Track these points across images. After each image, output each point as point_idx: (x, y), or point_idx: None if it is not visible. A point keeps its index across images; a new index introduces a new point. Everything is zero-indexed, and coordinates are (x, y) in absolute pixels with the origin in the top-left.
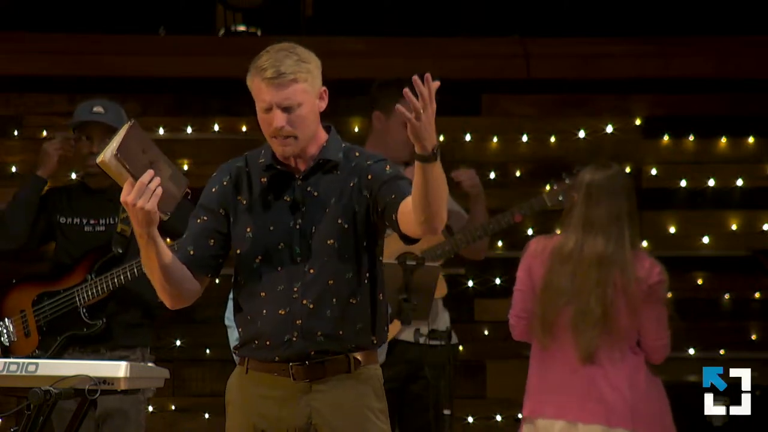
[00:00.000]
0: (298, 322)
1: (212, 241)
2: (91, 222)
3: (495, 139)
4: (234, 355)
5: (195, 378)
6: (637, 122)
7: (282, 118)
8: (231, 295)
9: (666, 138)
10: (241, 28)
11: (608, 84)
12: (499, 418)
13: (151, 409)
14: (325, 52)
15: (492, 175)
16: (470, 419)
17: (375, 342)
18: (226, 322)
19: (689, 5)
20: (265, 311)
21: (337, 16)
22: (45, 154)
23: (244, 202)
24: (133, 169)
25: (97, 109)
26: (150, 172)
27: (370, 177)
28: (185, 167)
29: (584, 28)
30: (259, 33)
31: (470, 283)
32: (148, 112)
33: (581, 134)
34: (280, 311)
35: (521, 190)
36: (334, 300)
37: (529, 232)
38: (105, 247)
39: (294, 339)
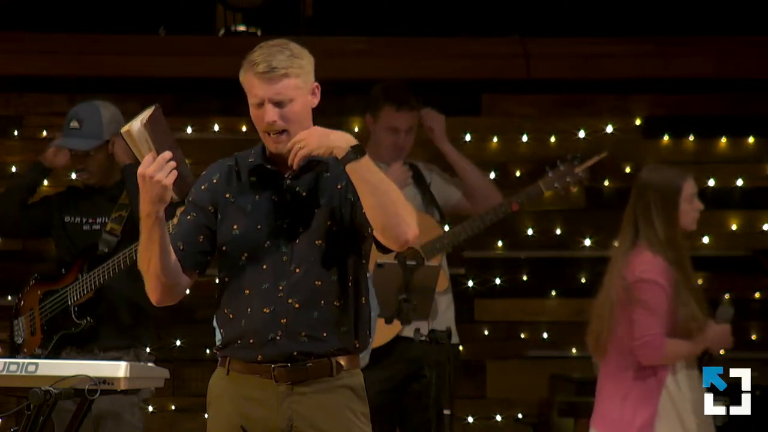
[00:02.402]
0: (282, 321)
1: (202, 237)
2: (89, 221)
3: (495, 139)
4: (217, 354)
5: (195, 378)
6: (637, 122)
7: (273, 112)
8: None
9: (666, 138)
10: (241, 28)
11: (608, 84)
12: (499, 418)
13: (151, 409)
14: (324, 52)
15: (492, 175)
16: (470, 419)
17: (357, 346)
18: (215, 323)
19: (689, 5)
20: (249, 309)
21: (337, 16)
22: (49, 146)
23: (233, 200)
24: (156, 143)
25: (74, 124)
26: (169, 153)
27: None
28: None
29: (584, 28)
30: (259, 33)
31: (470, 283)
32: None
33: (581, 134)
34: (264, 309)
35: (521, 190)
36: (322, 302)
37: (529, 232)
38: (95, 246)
39: (278, 338)
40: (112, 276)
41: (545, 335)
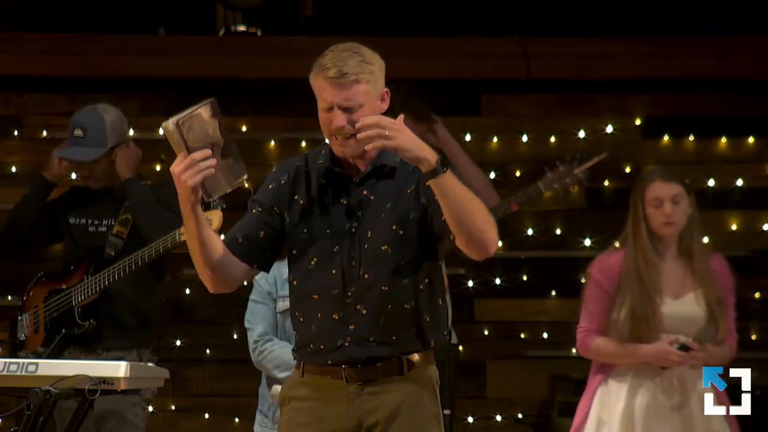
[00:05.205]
0: (351, 327)
1: (263, 233)
2: (95, 222)
3: (495, 139)
4: (252, 354)
5: (195, 378)
6: (637, 122)
7: (342, 118)
8: (251, 296)
9: (666, 138)
10: (241, 28)
11: (608, 84)
12: (498, 418)
13: (151, 409)
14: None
15: (492, 175)
16: (470, 419)
17: (432, 344)
18: (246, 324)
19: (689, 5)
20: (319, 315)
21: (337, 16)
22: (50, 156)
23: (302, 202)
24: (189, 142)
25: (77, 132)
26: (206, 152)
27: (427, 184)
28: None
29: (584, 28)
30: (259, 33)
31: (470, 283)
32: (148, 112)
33: (581, 134)
34: (333, 315)
35: (521, 190)
36: (390, 306)
37: (529, 231)
38: (101, 248)
39: (346, 344)
40: (117, 279)
41: (545, 335)
